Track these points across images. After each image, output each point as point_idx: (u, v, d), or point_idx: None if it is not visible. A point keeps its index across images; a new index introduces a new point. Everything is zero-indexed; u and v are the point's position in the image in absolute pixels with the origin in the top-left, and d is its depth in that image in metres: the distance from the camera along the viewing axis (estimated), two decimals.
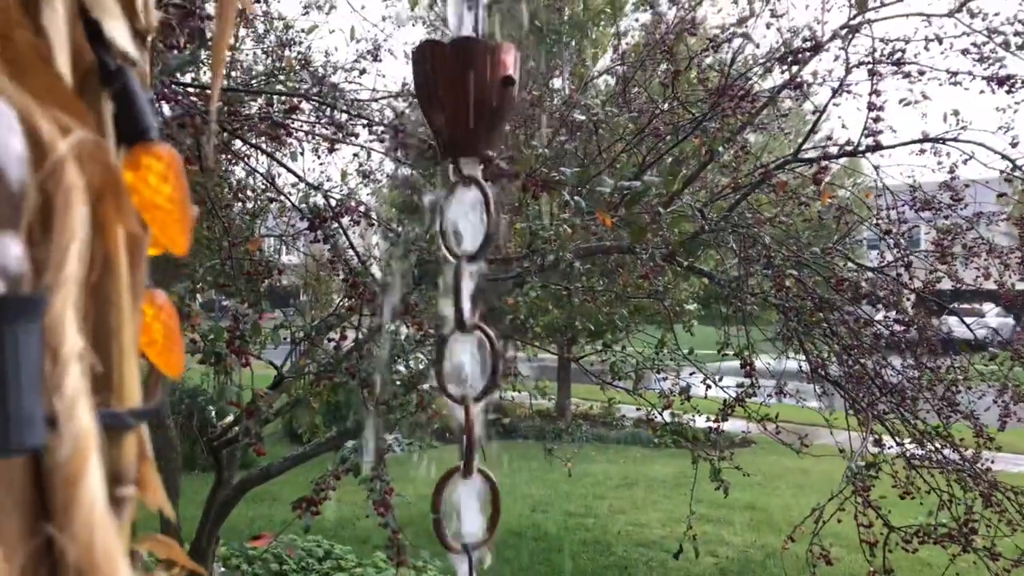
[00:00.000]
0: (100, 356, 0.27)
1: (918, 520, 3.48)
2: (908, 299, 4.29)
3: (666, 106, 3.52)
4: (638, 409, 3.81)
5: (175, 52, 1.95)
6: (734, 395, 3.50)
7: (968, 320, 4.22)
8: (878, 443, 3.46)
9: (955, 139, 3.49)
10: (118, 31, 0.28)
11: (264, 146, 3.36)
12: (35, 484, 0.25)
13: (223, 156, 3.44)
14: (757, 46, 3.27)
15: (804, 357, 3.79)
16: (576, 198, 2.69)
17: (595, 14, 8.32)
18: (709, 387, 3.56)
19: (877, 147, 2.97)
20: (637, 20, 7.88)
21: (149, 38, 0.32)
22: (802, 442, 3.48)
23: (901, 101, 3.75)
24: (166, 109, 2.38)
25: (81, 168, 0.25)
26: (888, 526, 3.41)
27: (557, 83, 6.10)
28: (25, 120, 0.24)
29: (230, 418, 4.01)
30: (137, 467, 0.29)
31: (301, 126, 3.39)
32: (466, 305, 0.75)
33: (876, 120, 2.90)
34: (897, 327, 3.94)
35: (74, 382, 0.23)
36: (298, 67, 4.02)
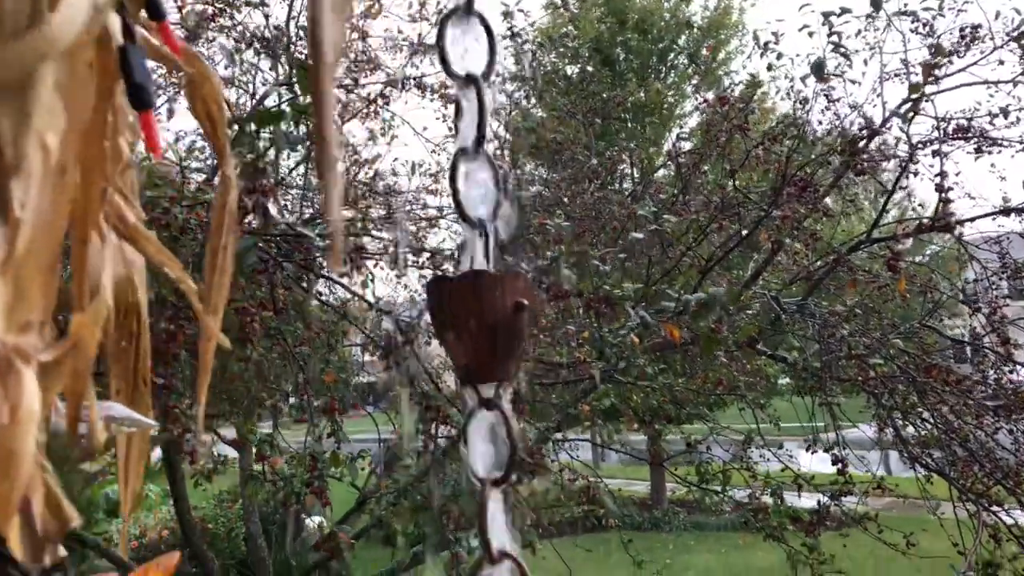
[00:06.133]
0: None
1: None
2: (1012, 371, 4.05)
3: (723, 199, 3.50)
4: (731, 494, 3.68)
5: None
6: (828, 496, 3.34)
7: None
8: (994, 537, 3.21)
9: None
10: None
11: (336, 277, 3.48)
12: None
13: (293, 288, 3.56)
14: (813, 144, 3.23)
15: (902, 445, 3.59)
16: (641, 313, 2.67)
17: (655, 107, 8.46)
18: (800, 487, 3.41)
19: (948, 227, 2.86)
20: (696, 107, 7.96)
21: None
22: (908, 542, 3.27)
23: (976, 157, 3.62)
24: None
25: None
26: None
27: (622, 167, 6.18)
28: None
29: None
30: None
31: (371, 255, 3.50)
32: (495, 535, 0.75)
33: (946, 203, 2.81)
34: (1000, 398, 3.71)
35: None
36: (366, 194, 4.20)
